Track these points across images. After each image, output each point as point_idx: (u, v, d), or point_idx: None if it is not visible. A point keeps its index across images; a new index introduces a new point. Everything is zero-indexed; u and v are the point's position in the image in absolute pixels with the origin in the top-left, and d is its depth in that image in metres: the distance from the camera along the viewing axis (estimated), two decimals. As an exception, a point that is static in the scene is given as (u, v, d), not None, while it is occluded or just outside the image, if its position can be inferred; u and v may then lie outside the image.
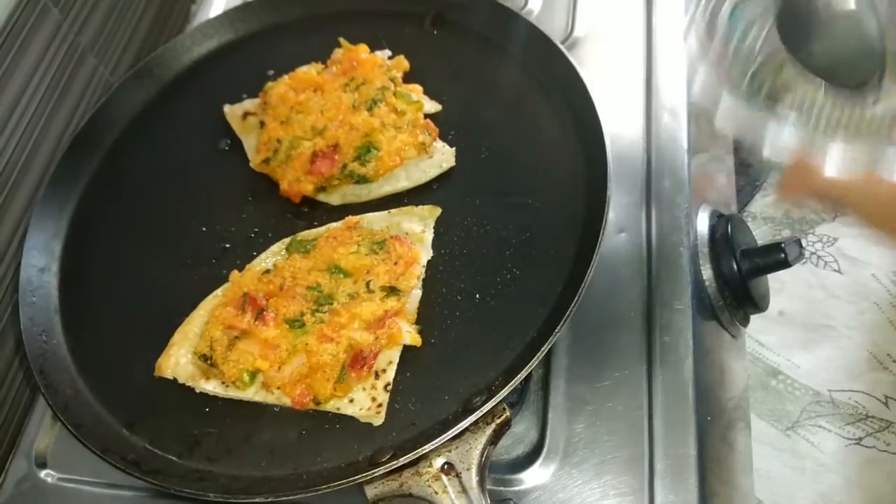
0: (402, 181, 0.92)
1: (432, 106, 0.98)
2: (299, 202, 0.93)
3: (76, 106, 1.11)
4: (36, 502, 0.88)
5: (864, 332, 1.16)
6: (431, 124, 0.94)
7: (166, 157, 1.02)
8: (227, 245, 0.91)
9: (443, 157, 0.93)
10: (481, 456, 0.70)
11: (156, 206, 0.97)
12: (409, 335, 0.78)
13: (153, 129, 1.05)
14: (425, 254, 0.85)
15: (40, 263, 0.92)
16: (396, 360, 0.78)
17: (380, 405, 0.75)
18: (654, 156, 0.96)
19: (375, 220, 0.89)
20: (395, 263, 0.82)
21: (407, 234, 0.86)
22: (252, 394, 0.78)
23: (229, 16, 1.12)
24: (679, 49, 1.06)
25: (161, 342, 0.83)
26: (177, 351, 0.81)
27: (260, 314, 0.80)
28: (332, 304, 0.80)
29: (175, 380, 0.80)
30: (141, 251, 0.93)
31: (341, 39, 1.03)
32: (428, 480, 0.69)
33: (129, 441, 0.78)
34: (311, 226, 0.90)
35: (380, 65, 0.99)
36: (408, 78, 1.01)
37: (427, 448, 0.68)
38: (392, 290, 0.81)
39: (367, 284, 0.81)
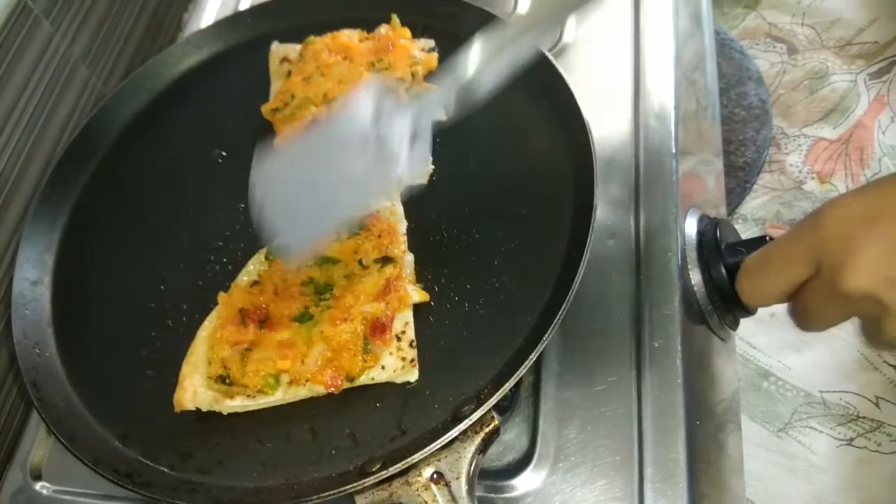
0: None
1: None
2: None
3: (68, 117, 1.12)
4: (31, 514, 0.88)
5: (854, 334, 1.16)
6: None
7: (159, 169, 1.03)
8: (222, 257, 0.91)
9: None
10: (470, 464, 0.70)
11: (148, 218, 0.98)
12: (416, 292, 0.81)
13: (145, 141, 1.06)
14: (402, 223, 0.87)
15: (33, 276, 0.93)
16: (411, 319, 0.80)
17: (411, 361, 0.77)
18: (643, 160, 0.97)
19: None
20: (380, 237, 0.84)
21: (378, 210, 0.88)
22: (282, 394, 0.78)
23: (219, 27, 1.13)
24: (667, 53, 1.06)
25: (153, 354, 0.83)
26: (190, 382, 0.79)
27: (265, 322, 0.80)
28: (332, 290, 0.81)
29: (198, 410, 0.79)
30: (133, 263, 0.93)
31: (394, 15, 1.03)
32: (417, 490, 0.69)
33: (122, 453, 0.78)
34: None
35: (409, 56, 0.98)
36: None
37: (417, 457, 0.68)
38: (385, 260, 0.82)
39: (360, 262, 0.83)
